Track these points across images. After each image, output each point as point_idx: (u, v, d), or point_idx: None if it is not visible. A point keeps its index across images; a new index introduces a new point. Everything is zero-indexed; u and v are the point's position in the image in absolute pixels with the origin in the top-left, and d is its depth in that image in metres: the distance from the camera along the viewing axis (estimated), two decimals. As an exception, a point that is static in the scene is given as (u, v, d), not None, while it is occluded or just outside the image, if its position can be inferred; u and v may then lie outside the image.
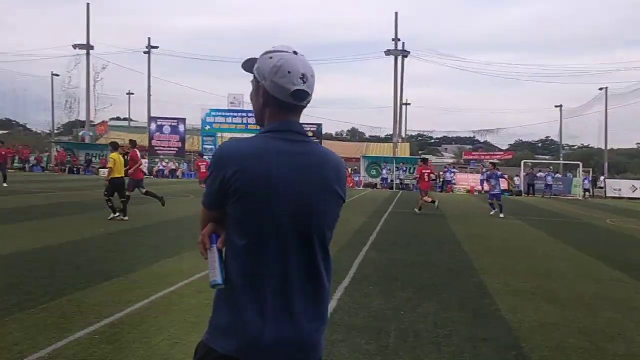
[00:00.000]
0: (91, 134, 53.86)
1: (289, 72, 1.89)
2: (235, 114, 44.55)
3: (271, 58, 1.92)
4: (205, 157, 32.66)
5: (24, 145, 48.35)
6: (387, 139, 64.60)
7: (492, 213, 19.50)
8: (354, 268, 8.43)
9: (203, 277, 7.28)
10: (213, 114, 44.89)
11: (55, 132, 61.92)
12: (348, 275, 7.83)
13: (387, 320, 5.78)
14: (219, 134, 46.94)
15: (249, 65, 2.03)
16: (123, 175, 13.86)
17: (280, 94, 1.91)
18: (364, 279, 7.69)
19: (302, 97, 1.93)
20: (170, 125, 46.10)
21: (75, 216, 13.70)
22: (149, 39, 54.65)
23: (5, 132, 73.40)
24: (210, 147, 44.34)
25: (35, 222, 12.39)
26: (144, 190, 15.12)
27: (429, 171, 20.14)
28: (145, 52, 54.53)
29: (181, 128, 46.16)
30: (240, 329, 1.82)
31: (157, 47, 55.16)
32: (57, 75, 58.97)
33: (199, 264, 8.02)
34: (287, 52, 1.93)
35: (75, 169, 43.13)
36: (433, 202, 18.95)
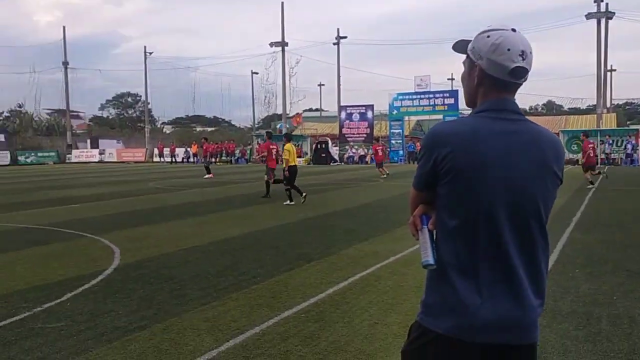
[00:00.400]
0: (287, 125, 57.17)
1: (508, 49, 1.84)
2: (422, 96, 44.04)
3: (488, 36, 1.88)
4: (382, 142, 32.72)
5: (230, 140, 52.85)
6: (588, 110, 59.43)
7: None
8: (557, 250, 7.93)
9: (397, 259, 7.39)
10: (400, 97, 44.88)
11: (256, 126, 66.74)
12: (550, 258, 7.39)
13: (597, 305, 5.37)
14: (406, 118, 46.93)
15: (460, 46, 2.02)
16: (296, 164, 15.00)
17: (497, 72, 1.87)
18: (569, 262, 7.20)
19: (521, 75, 1.87)
20: (359, 113, 47.14)
21: (275, 203, 14.68)
22: (338, 29, 56.16)
23: (213, 129, 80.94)
24: (397, 131, 44.55)
25: (240, 209, 13.52)
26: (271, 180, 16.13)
27: (592, 145, 19.51)
28: (334, 44, 56.24)
29: (369, 114, 46.95)
30: (457, 308, 1.80)
31: (345, 37, 56.50)
32: (257, 73, 63.55)
33: (393, 247, 8.15)
34: (505, 29, 1.88)
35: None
36: (599, 173, 19.28)
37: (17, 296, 5.83)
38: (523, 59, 1.85)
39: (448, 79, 63.23)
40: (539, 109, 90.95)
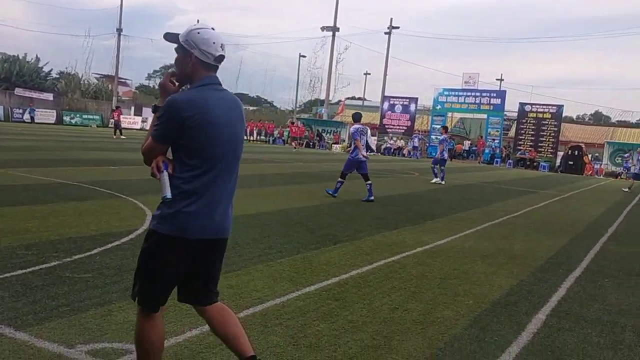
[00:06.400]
0: (327, 111, 56.93)
1: (214, 42, 2.73)
2: (469, 94, 43.35)
3: (199, 33, 2.72)
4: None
5: (270, 121, 53.01)
6: (638, 125, 57.71)
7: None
8: (587, 259, 7.78)
9: (425, 250, 7.37)
10: (445, 93, 44.27)
11: (297, 109, 66.76)
12: (580, 266, 7.26)
13: (623, 314, 5.25)
14: (450, 114, 46.35)
15: (170, 37, 2.80)
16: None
17: (208, 58, 2.73)
18: (599, 271, 7.06)
19: (221, 60, 2.78)
20: (402, 105, 46.71)
21: (309, 185, 14.72)
22: (391, 19, 55.01)
23: (254, 108, 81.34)
24: (439, 126, 44.02)
25: (274, 187, 13.60)
26: None
27: None
28: (386, 33, 55.28)
29: (412, 107, 46.44)
30: (180, 217, 2.67)
31: (397, 27, 55.29)
32: (304, 57, 63.21)
33: (421, 238, 8.12)
34: (208, 28, 2.76)
35: (311, 143, 46.23)
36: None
37: (49, 245, 6.00)
38: (222, 50, 2.76)
39: (497, 79, 62.01)
40: (587, 118, 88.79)
